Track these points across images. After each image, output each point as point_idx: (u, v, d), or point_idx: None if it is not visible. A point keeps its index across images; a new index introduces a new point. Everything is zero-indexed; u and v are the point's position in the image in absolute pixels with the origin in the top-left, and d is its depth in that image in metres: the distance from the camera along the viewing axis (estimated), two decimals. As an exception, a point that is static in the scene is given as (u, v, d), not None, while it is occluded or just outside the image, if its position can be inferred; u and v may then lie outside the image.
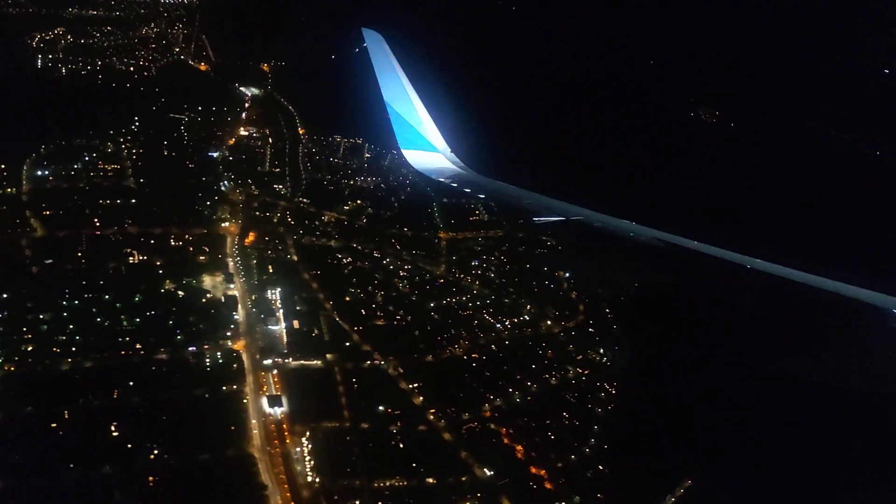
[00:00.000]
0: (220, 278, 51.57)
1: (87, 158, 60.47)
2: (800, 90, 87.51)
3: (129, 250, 52.10)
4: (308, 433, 42.58)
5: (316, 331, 49.37)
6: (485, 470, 43.04)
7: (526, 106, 77.36)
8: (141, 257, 51.62)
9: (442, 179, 21.68)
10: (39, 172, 57.42)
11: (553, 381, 50.22)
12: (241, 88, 78.40)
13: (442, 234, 62.20)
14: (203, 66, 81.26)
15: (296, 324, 49.29)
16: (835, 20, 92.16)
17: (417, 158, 21.88)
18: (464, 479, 42.27)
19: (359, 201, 64.48)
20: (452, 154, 22.36)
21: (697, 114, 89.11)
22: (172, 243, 53.90)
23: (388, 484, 40.91)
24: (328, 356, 47.73)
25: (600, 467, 45.21)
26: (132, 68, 76.92)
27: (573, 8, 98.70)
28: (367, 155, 71.56)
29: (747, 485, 45.07)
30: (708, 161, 75.26)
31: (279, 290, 51.88)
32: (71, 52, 76.27)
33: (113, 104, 68.70)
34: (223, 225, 57.06)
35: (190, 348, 45.60)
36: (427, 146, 22.06)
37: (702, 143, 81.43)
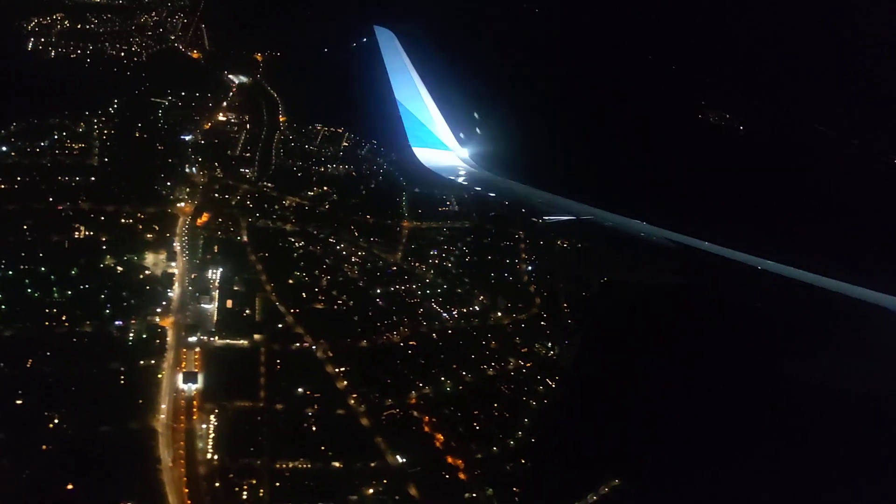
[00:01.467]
0: (163, 256, 51.33)
1: (55, 137, 60.89)
2: (810, 93, 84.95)
3: (76, 225, 51.83)
4: (217, 411, 41.30)
5: (248, 311, 48.39)
6: (397, 457, 41.20)
7: (538, 105, 75.92)
8: (88, 233, 51.60)
9: (453, 178, 21.58)
10: (4, 148, 57.48)
11: (490, 371, 48.65)
12: (230, 76, 78.21)
13: (405, 223, 61.15)
14: (195, 54, 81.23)
15: (229, 303, 48.66)
16: (850, 23, 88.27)
17: (429, 157, 21.70)
18: (373, 464, 40.68)
19: (325, 188, 63.56)
20: (464, 152, 22.23)
21: (708, 116, 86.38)
22: (122, 221, 53.40)
23: (290, 466, 39.78)
24: (256, 336, 46.87)
25: (522, 461, 43.31)
26: (122, 54, 77.12)
27: (587, 8, 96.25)
28: (344, 143, 70.59)
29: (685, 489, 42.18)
30: (720, 163, 73.27)
31: (220, 270, 51.00)
32: (64, 36, 77.45)
33: (95, 87, 68.76)
34: (178, 205, 56.77)
35: (116, 322, 45.08)
36: (438, 145, 21.94)
37: (714, 144, 79.69)
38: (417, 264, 56.76)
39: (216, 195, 59.69)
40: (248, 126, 70.88)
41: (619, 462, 44.20)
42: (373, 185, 66.33)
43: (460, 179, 21.76)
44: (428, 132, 21.78)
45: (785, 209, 64.68)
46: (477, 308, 53.86)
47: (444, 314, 52.50)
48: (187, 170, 61.82)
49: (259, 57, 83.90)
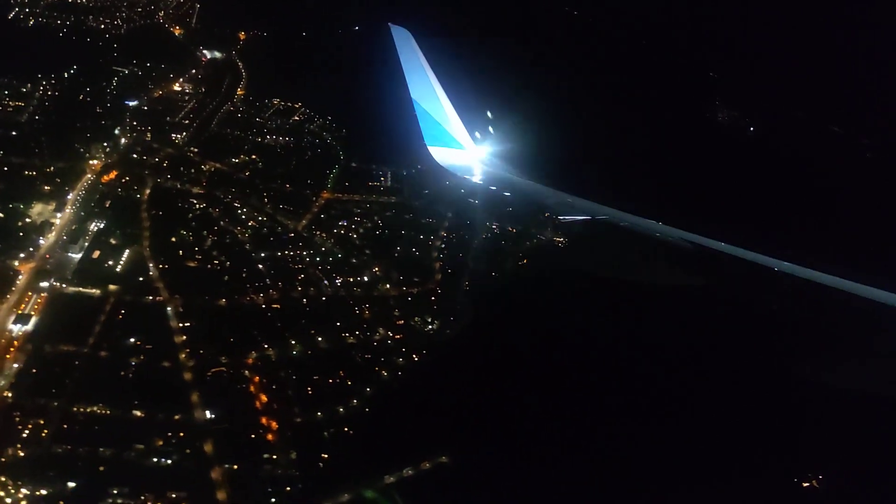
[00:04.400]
0: (51, 207, 51.55)
1: (-4, 95, 61.60)
2: (823, 94, 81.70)
3: (-25, 172, 52.35)
4: (33, 352, 40.53)
5: (111, 262, 47.52)
6: (206, 412, 39.39)
7: (552, 104, 73.71)
8: (-16, 180, 51.83)
9: (468, 177, 21.98)
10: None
11: (350, 339, 46.35)
12: (204, 51, 78.49)
13: (325, 195, 59.49)
14: (177, 30, 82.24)
15: (96, 254, 48.32)
16: (859, 24, 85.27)
17: (443, 155, 21.96)
18: (177, 417, 38.95)
19: (253, 156, 62.54)
20: (479, 152, 22.45)
21: (721, 115, 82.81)
22: (26, 173, 53.80)
23: (87, 410, 38.54)
24: (111, 287, 45.93)
25: (346, 429, 40.56)
26: (102, 27, 78.53)
27: (603, 9, 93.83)
28: (295, 118, 69.66)
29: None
30: (736, 163, 71.76)
31: (103, 223, 50.47)
32: (50, 7, 78.79)
33: (57, 54, 70.05)
34: (91, 163, 56.76)
35: (-28, 263, 44.95)
36: (453, 143, 22.15)
37: (729, 145, 77.42)
38: (319, 233, 54.95)
39: (134, 156, 59.18)
40: (200, 97, 69.55)
41: (452, 440, 40.21)
42: (307, 157, 64.20)
43: (475, 178, 22.01)
44: (443, 131, 21.96)
45: (801, 210, 62.57)
46: (366, 279, 51.10)
47: (326, 282, 49.93)
48: (116, 132, 61.09)
49: (242, 35, 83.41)
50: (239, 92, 72.94)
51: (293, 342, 45.36)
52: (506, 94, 66.20)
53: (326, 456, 39.31)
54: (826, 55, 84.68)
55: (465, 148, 22.52)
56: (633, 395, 45.52)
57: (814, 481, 42.00)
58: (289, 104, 71.63)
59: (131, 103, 66.85)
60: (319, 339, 46.09)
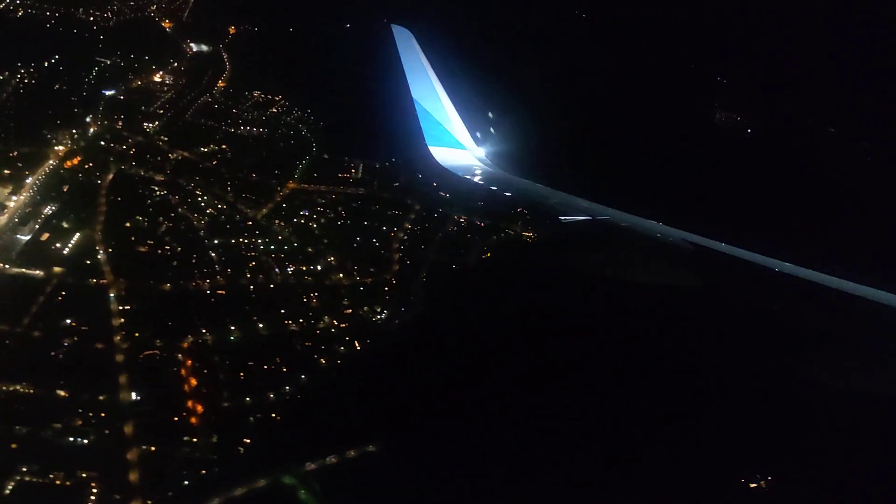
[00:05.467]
0: (7, 190, 51.43)
1: (-29, 82, 62.03)
2: (823, 93, 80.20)
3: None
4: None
5: (59, 245, 47.38)
6: (132, 394, 38.96)
7: (554, 105, 73.39)
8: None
9: (469, 177, 21.82)
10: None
11: (293, 327, 45.55)
12: (191, 44, 78.53)
13: (290, 185, 58.92)
14: (167, 24, 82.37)
15: (44, 237, 47.99)
16: (860, 26, 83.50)
17: (445, 156, 21.99)
18: (101, 398, 38.57)
19: (223, 146, 62.24)
20: (480, 152, 22.52)
21: (720, 116, 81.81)
22: (-13, 157, 53.91)
23: (8, 388, 38.70)
24: (55, 269, 45.77)
25: (273, 415, 39.87)
26: (91, 19, 78.85)
27: (604, 10, 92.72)
28: (273, 110, 69.35)
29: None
30: (738, 163, 70.60)
31: (57, 206, 50.39)
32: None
33: (38, 43, 70.36)
34: (56, 148, 56.71)
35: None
36: (455, 144, 22.21)
37: (731, 145, 76.24)
38: (278, 222, 54.33)
39: (102, 143, 59.10)
40: (179, 88, 69.56)
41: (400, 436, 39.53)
42: (279, 147, 63.80)
43: (476, 179, 21.80)
44: (445, 131, 21.94)
45: (802, 210, 61.33)
46: (319, 268, 50.44)
47: (277, 270, 49.36)
48: (87, 120, 61.17)
49: (232, 30, 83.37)
50: (220, 84, 72.61)
51: (233, 328, 44.40)
52: (507, 94, 65.16)
53: (249, 441, 38.39)
54: (827, 55, 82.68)
55: (466, 148, 22.41)
56: (580, 391, 43.91)
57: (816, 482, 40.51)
58: (269, 97, 70.64)
59: (108, 93, 66.45)
60: (261, 325, 45.24)
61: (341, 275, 50.82)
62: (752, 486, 40.29)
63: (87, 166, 56.50)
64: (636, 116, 75.26)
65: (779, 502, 40.79)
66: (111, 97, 66.38)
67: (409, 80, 21.13)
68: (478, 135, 23.60)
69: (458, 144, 22.27)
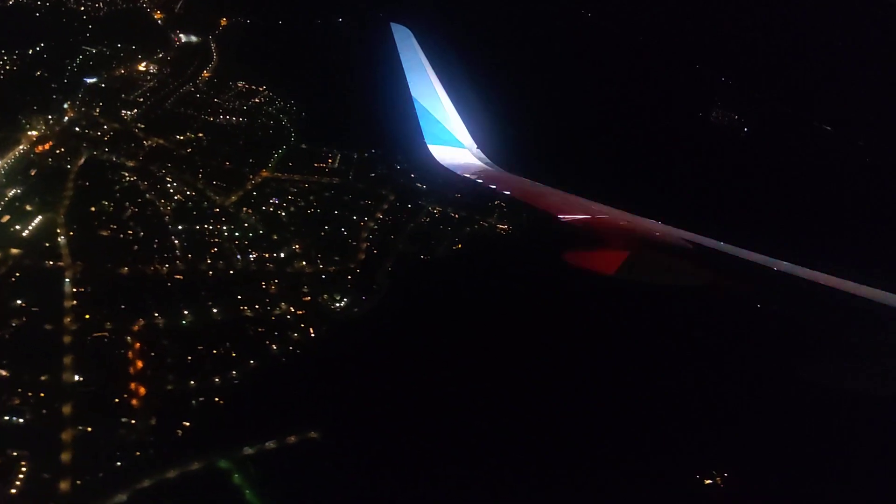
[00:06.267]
0: (-27, 174, 51.17)
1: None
2: (822, 94, 79.33)
3: None
4: None
5: (19, 227, 47.29)
6: (75, 376, 38.69)
7: (553, 104, 73.14)
8: None
9: (468, 175, 21.05)
10: None
11: (248, 313, 45.09)
12: (181, 35, 78.59)
13: (264, 173, 58.58)
14: (158, 15, 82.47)
15: (5, 218, 48.03)
16: (854, 24, 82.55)
17: (444, 154, 21.48)
18: (43, 377, 38.33)
19: (200, 134, 62.04)
20: (479, 151, 21.98)
21: (717, 115, 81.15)
22: (-42, 140, 54.02)
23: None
24: (12, 251, 45.83)
25: (216, 399, 39.49)
26: (83, 8, 79.13)
27: (604, 8, 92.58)
28: (255, 100, 69.13)
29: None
30: (735, 162, 70.26)
31: (22, 189, 50.37)
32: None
33: (25, 31, 70.56)
34: (29, 133, 56.70)
35: None
36: (454, 142, 21.82)
37: (730, 143, 75.86)
38: (246, 210, 53.93)
39: (76, 129, 59.02)
40: (163, 77, 69.57)
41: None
42: (257, 137, 63.50)
43: (475, 177, 20.96)
44: (444, 130, 21.53)
45: (801, 209, 60.95)
46: (282, 255, 50.01)
47: (239, 256, 48.97)
48: (65, 106, 61.21)
49: (224, 22, 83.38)
50: (204, 74, 72.24)
51: (186, 312, 43.99)
52: (507, 92, 65.02)
53: (188, 424, 37.74)
54: (827, 55, 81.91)
55: (465, 146, 21.83)
56: (534, 383, 43.07)
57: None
58: (252, 87, 70.24)
59: (90, 80, 66.46)
60: (215, 310, 44.78)
61: (304, 263, 50.31)
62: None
63: (58, 151, 56.39)
64: (637, 114, 74.90)
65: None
66: (92, 85, 66.07)
67: (408, 79, 20.72)
68: (477, 133, 22.82)
69: (457, 143, 21.90)
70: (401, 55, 20.57)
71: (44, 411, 36.94)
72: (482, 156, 21.80)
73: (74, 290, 44.03)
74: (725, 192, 61.35)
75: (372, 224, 55.21)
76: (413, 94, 20.73)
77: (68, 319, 42.03)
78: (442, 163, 20.96)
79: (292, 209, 55.27)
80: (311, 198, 57.06)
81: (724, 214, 53.28)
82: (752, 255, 15.29)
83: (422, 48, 20.76)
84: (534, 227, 54.49)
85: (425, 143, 21.00)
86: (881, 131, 72.01)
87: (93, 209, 51.20)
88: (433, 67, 20.85)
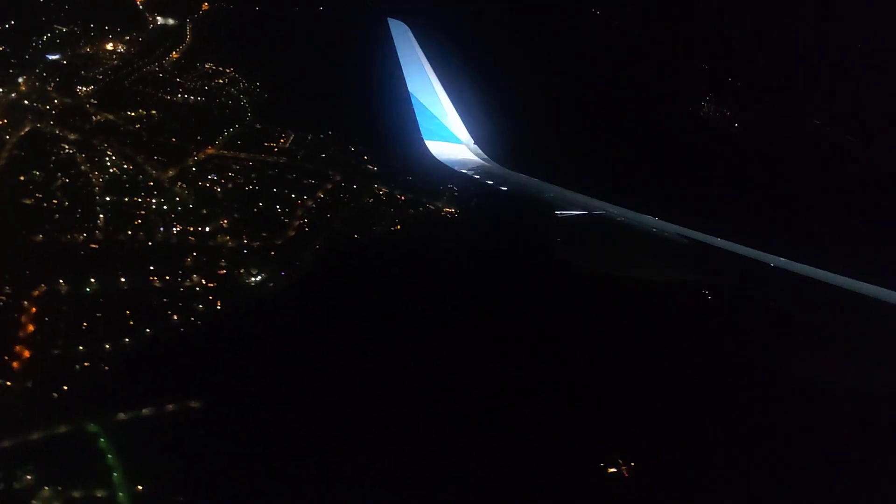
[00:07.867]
0: None
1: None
2: (823, 94, 77.65)
3: None
4: None
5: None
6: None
7: (550, 99, 72.57)
8: None
9: (465, 171, 21.56)
10: None
11: (157, 283, 44.26)
12: (157, 17, 78.67)
13: (209, 150, 57.96)
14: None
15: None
16: (844, 20, 79.53)
17: (441, 150, 21.87)
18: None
19: (153, 111, 61.73)
20: (476, 146, 22.40)
21: (708, 111, 79.64)
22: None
23: None
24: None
25: (102, 365, 39.05)
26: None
27: (600, 4, 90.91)
28: (218, 80, 68.80)
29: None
30: (734, 158, 68.88)
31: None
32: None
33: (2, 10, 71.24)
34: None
35: None
36: (451, 138, 22.14)
37: (727, 140, 74.23)
38: (181, 184, 53.19)
39: (25, 102, 58.92)
40: (129, 57, 69.50)
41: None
42: (212, 115, 62.95)
43: (472, 173, 21.39)
44: (441, 125, 21.70)
45: (800, 206, 59.00)
46: (207, 229, 49.19)
47: (162, 229, 48.22)
48: (19, 81, 61.31)
49: (205, 6, 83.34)
50: (173, 55, 71.75)
51: (92, 280, 43.19)
52: (504, 88, 65.44)
53: (66, 388, 36.78)
54: (828, 54, 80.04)
55: (462, 142, 21.98)
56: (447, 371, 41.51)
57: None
58: (219, 69, 69.72)
59: (52, 57, 66.46)
60: (122, 280, 43.86)
61: (228, 237, 49.01)
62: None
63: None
64: (632, 112, 73.36)
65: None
66: (53, 61, 65.81)
67: (405, 74, 20.77)
68: (474, 129, 22.91)
69: (454, 138, 21.90)
70: (398, 50, 20.57)
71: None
72: (479, 151, 21.76)
73: (-13, 257, 43.16)
74: (722, 187, 59.79)
75: (311, 203, 53.82)
76: (410, 89, 20.73)
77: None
78: (439, 158, 20.91)
79: (230, 186, 54.43)
80: (252, 175, 56.07)
81: (721, 210, 51.57)
82: (749, 251, 15.18)
83: (415, 41, 20.67)
84: (484, 214, 53.01)
85: (422, 139, 20.96)
86: (880, 126, 69.38)
87: (21, 178, 50.40)
88: (431, 63, 20.82)
